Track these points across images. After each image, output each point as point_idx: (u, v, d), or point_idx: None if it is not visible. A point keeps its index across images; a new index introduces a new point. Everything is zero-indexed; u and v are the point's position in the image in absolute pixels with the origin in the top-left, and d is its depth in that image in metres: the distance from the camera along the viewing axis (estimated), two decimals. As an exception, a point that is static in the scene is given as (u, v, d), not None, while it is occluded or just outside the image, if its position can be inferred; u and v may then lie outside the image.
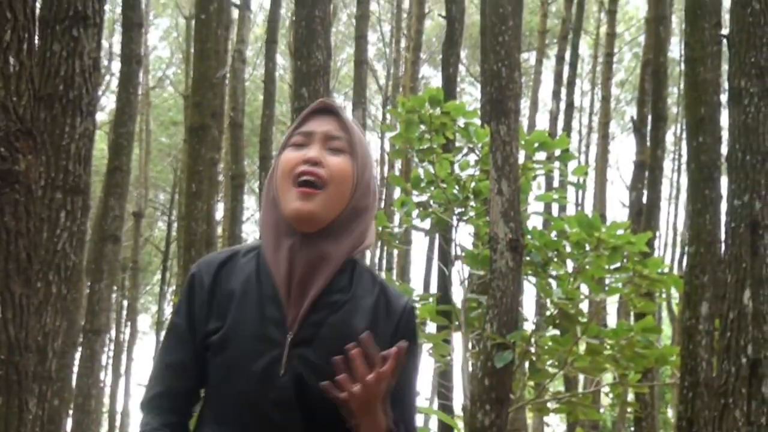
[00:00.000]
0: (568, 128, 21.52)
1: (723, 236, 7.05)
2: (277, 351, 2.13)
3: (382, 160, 28.45)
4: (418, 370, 2.31)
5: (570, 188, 9.86)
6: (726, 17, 9.26)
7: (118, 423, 28.61)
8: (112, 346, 28.84)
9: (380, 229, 8.67)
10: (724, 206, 7.06)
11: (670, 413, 24.09)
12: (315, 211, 2.17)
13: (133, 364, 30.25)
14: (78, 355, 13.03)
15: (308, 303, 2.15)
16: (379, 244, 24.22)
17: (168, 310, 31.33)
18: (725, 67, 8.64)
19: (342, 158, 2.21)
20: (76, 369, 12.93)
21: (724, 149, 8.33)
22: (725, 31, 8.80)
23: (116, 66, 21.57)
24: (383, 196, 26.15)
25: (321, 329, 2.15)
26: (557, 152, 8.59)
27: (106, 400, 26.97)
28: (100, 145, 25.80)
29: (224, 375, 2.16)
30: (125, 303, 30.71)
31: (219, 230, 21.74)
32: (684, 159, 29.65)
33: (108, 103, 28.22)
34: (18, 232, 3.74)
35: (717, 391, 6.60)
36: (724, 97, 8.96)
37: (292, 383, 2.11)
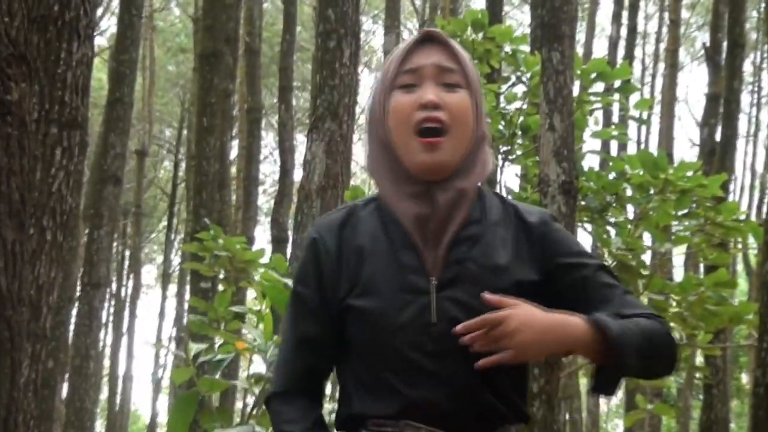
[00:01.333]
0: (630, 56, 21.38)
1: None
2: (424, 298, 2.19)
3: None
4: (599, 263, 2.32)
5: (632, 124, 9.82)
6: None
7: (119, 389, 28.85)
8: (112, 302, 29.00)
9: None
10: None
11: (745, 379, 24.10)
12: (444, 160, 2.23)
13: (136, 322, 30.42)
14: (75, 312, 13.16)
15: (447, 241, 2.22)
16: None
17: (176, 260, 31.57)
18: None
19: (460, 94, 2.27)
20: (72, 327, 13.06)
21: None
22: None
23: (116, -16, 21.52)
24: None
25: (465, 266, 2.21)
26: (617, 83, 8.55)
27: (106, 363, 27.18)
28: (99, 75, 25.83)
29: (370, 337, 2.21)
30: (127, 253, 30.86)
31: (233, 170, 21.84)
32: (765, 92, 29.40)
33: (108, 26, 28.26)
34: (10, 170, 3.74)
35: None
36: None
37: (448, 329, 2.14)
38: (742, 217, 7.85)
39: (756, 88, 28.26)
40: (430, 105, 2.22)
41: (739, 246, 10.62)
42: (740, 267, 24.81)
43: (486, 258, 2.21)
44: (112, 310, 28.98)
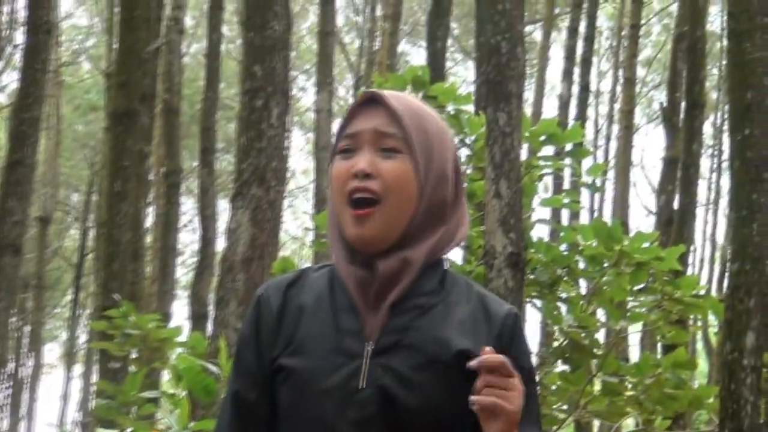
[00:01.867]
0: (582, 117, 21.63)
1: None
2: (356, 362, 2.22)
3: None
4: (536, 389, 2.38)
5: (585, 191, 9.93)
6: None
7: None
8: (10, 383, 28.60)
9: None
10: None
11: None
12: (375, 234, 2.27)
13: (36, 405, 30.07)
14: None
15: (387, 307, 2.25)
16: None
17: (83, 337, 31.27)
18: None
19: (397, 161, 2.30)
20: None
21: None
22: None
23: (20, 36, 21.46)
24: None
25: (407, 334, 2.24)
26: (569, 146, 8.63)
27: (3, 452, 26.82)
28: (-1, 134, 25.70)
29: (296, 399, 2.26)
30: (27, 329, 30.54)
31: (148, 240, 21.71)
32: (725, 155, 29.85)
33: (9, 81, 28.14)
34: None
35: (764, 441, 6.67)
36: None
37: (375, 398, 2.19)
38: (702, 292, 7.93)
39: (716, 152, 28.68)
40: (361, 174, 2.26)
41: (699, 323, 10.73)
42: (700, 346, 25.02)
43: (432, 329, 2.24)
44: (9, 392, 28.55)
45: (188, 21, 25.77)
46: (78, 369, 32.19)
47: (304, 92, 33.78)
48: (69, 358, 32.03)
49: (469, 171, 8.51)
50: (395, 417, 2.17)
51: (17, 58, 24.43)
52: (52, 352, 38.77)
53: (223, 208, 26.20)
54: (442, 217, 2.32)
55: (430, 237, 2.30)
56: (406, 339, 2.22)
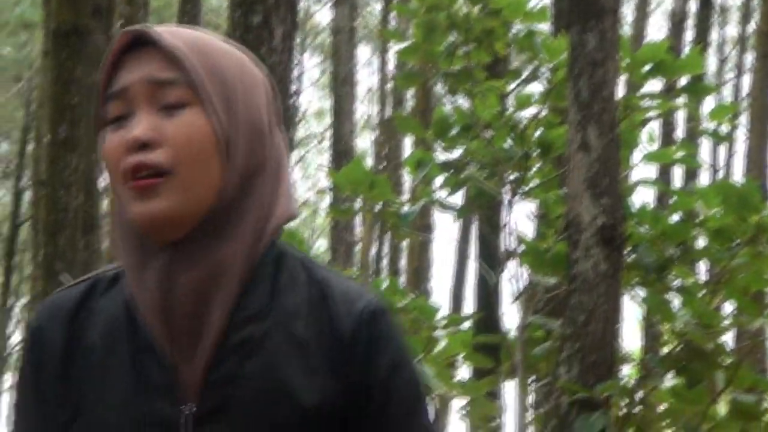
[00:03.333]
0: (702, 41, 21.56)
1: None
2: None
3: (383, 91, 28.49)
4: (419, 418, 2.26)
5: (705, 141, 9.96)
6: None
7: None
8: None
9: (379, 205, 8.72)
10: None
11: None
12: (166, 209, 2.12)
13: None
14: None
15: (204, 351, 2.13)
16: (377, 230, 24.20)
17: (16, 336, 31.48)
18: None
19: (185, 116, 2.15)
20: None
21: None
22: None
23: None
24: (386, 152, 26.21)
25: (236, 389, 2.13)
26: (684, 81, 8.64)
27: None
28: None
29: None
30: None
31: (106, 204, 21.80)
32: None
33: None
34: None
35: None
36: None
37: None
38: None
39: None
40: (135, 145, 2.13)
41: None
42: None
43: (267, 374, 2.13)
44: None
45: None
46: (9, 381, 32.48)
47: (319, 4, 33.77)
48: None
49: (544, 113, 8.53)
50: None
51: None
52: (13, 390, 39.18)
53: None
54: (257, 186, 2.20)
55: (247, 218, 2.18)
56: (238, 395, 2.12)
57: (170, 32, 2.20)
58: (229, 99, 2.18)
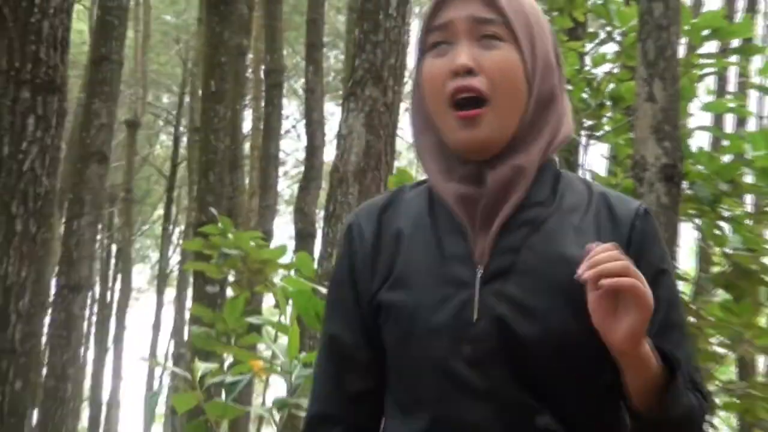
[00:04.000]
0: (752, 9, 21.24)
1: None
2: (466, 292, 2.17)
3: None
4: (676, 293, 2.31)
5: (754, 94, 9.81)
6: None
7: (103, 416, 28.99)
8: (96, 309, 29.10)
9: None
10: None
11: None
12: (485, 137, 2.23)
13: (125, 334, 30.60)
14: (49, 320, 13.21)
15: (498, 224, 2.20)
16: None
17: (175, 258, 31.69)
18: None
19: (502, 50, 2.24)
20: (46, 339, 13.13)
21: None
22: None
23: None
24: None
25: (520, 254, 2.19)
26: (736, 42, 8.52)
27: (87, 384, 27.24)
28: (80, 26, 25.98)
29: (402, 339, 2.23)
30: (114, 248, 31.04)
31: (247, 147, 21.83)
32: None
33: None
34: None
35: None
36: None
37: (491, 330, 2.14)
38: None
39: None
40: (462, 70, 2.21)
41: None
42: None
43: (548, 246, 2.19)
44: (95, 318, 29.02)
45: None
46: (170, 294, 32.63)
47: (426, -21, 33.65)
48: (160, 281, 32.36)
49: (616, 70, 8.46)
50: (516, 350, 2.12)
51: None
52: (141, 274, 39.40)
53: (332, 111, 26.27)
54: (549, 112, 2.29)
55: (541, 137, 2.26)
56: (521, 259, 2.17)
57: None
58: (534, 37, 2.27)
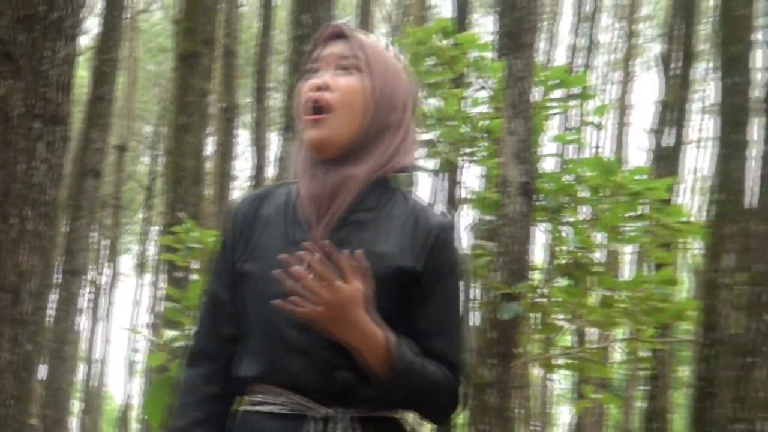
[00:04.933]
0: (587, 65, 21.44)
1: (751, 184, 7.05)
2: None
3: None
4: (457, 297, 2.29)
5: (588, 129, 9.87)
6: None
7: (95, 371, 28.75)
8: (90, 289, 28.84)
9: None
10: (754, 152, 7.05)
11: (685, 372, 24.25)
12: (324, 136, 2.24)
13: (113, 308, 30.33)
14: (54, 298, 13.08)
15: (330, 221, 2.21)
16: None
17: (151, 250, 31.43)
18: (764, 1, 8.60)
19: (352, 77, 2.26)
20: (51, 312, 12.99)
21: (756, 91, 8.31)
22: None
23: (100, -14, 21.36)
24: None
25: (345, 248, 2.16)
26: (575, 90, 8.57)
27: (83, 346, 27.08)
28: (82, 73, 25.68)
29: (251, 300, 2.25)
30: (105, 242, 30.74)
31: (208, 166, 21.66)
32: (712, 101, 29.47)
33: (92, 26, 28.08)
34: (-5, 162, 3.73)
35: (739, 349, 6.66)
36: (760, 35, 8.93)
37: None
38: (688, 219, 7.90)
39: (704, 97, 28.34)
40: (317, 87, 2.24)
41: (684, 246, 10.67)
42: (685, 266, 24.95)
43: (369, 244, 2.19)
44: (90, 296, 28.77)
45: (246, -24, 25.58)
46: (148, 277, 32.35)
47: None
48: (140, 268, 32.15)
49: (488, 110, 8.48)
50: None
51: (99, 6, 24.37)
52: (126, 262, 39.00)
53: (273, 140, 26.15)
54: (384, 138, 2.28)
55: (372, 156, 2.26)
56: (344, 251, 2.15)
57: (358, 31, 2.32)
58: (382, 78, 2.28)
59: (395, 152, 2.29)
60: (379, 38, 2.42)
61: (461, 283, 2.32)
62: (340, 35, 2.32)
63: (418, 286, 2.23)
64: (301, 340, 2.17)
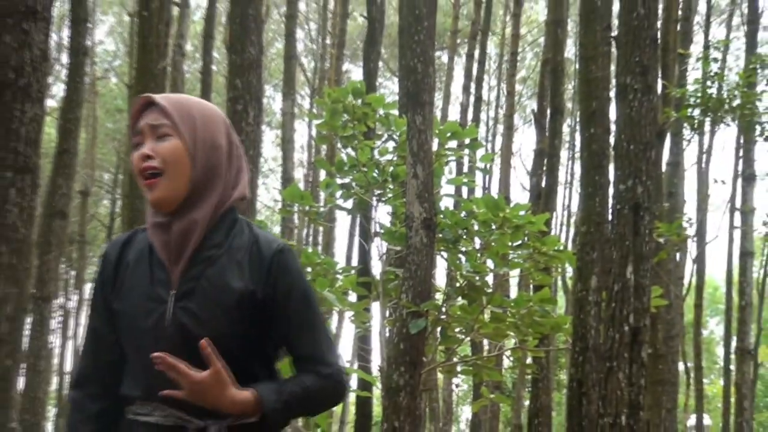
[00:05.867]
0: (476, 119, 21.63)
1: (610, 217, 7.13)
2: (163, 307, 2.18)
3: (309, 145, 28.30)
4: (308, 304, 2.29)
5: (478, 173, 9.92)
6: (615, 21, 9.37)
7: (66, 381, 28.26)
8: (60, 312, 28.38)
9: (307, 208, 8.62)
10: (611, 191, 7.14)
11: (564, 375, 24.46)
12: (161, 196, 2.20)
13: (79, 329, 29.76)
14: (29, 320, 12.81)
15: (184, 261, 2.20)
16: (306, 221, 24.17)
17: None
18: (614, 66, 8.74)
19: (169, 141, 2.22)
20: (27, 332, 12.71)
21: (612, 140, 8.43)
22: (614, 33, 8.89)
23: (65, 57, 21.08)
24: (311, 179, 26.03)
25: (199, 282, 2.19)
26: (467, 141, 8.61)
27: (56, 361, 26.60)
28: (51, 129, 25.26)
29: (126, 334, 2.22)
30: (73, 273, 30.19)
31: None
32: (577, 148, 29.95)
33: (58, 91, 27.64)
34: (-30, 208, 3.67)
35: (603, 355, 6.70)
36: (612, 93, 9.06)
37: (177, 333, 2.16)
38: (561, 247, 7.96)
39: (571, 145, 28.77)
40: (144, 156, 2.21)
41: (559, 270, 10.75)
42: (560, 286, 25.21)
43: (218, 277, 2.20)
44: (59, 319, 28.34)
45: (188, 47, 25.41)
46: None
47: (273, 100, 33.38)
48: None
49: (395, 158, 8.47)
50: (192, 345, 2.12)
51: (63, 73, 24.00)
52: (90, 290, 38.41)
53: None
54: (218, 178, 2.26)
55: (211, 196, 2.24)
56: (199, 286, 2.19)
57: (164, 97, 2.26)
58: (194, 130, 2.23)
59: (230, 186, 2.28)
60: (182, 94, 2.37)
61: (308, 292, 2.30)
62: (151, 104, 2.27)
63: (270, 306, 2.24)
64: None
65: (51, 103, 26.73)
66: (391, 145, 8.61)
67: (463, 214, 7.74)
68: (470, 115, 21.75)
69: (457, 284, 7.73)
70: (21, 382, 12.82)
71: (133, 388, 2.22)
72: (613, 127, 8.62)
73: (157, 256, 2.23)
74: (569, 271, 17.52)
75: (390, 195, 8.48)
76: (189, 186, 2.21)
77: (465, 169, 19.21)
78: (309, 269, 7.96)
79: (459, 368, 8.71)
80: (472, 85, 22.22)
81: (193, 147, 2.22)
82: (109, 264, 2.30)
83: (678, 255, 15.04)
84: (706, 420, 22.67)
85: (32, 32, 5.97)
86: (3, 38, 5.88)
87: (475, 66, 22.35)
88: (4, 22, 5.88)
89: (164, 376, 2.13)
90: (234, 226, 2.28)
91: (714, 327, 43.19)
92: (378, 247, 8.68)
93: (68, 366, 29.07)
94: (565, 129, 25.23)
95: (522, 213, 7.53)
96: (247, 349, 2.22)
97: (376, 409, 16.73)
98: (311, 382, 2.24)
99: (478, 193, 19.62)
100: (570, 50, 25.29)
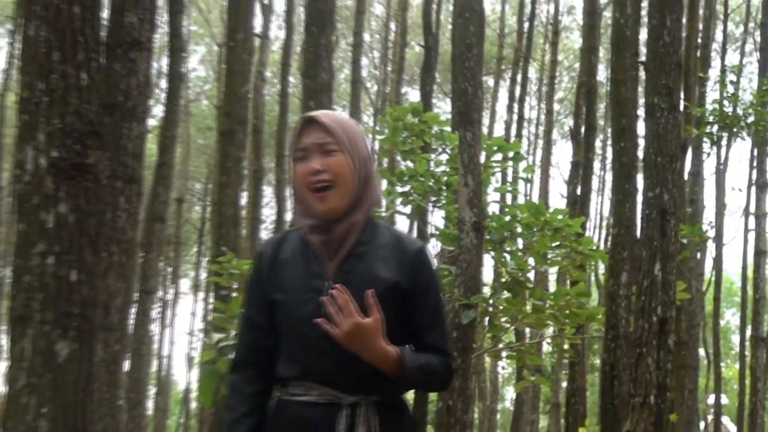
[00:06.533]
0: (519, 135, 21.54)
1: (639, 221, 7.07)
2: (320, 296, 2.17)
3: (372, 158, 28.34)
4: (440, 300, 2.31)
5: (521, 182, 9.87)
6: (643, 49, 9.29)
7: (164, 365, 28.68)
8: (159, 304, 28.77)
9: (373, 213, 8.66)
10: (640, 197, 7.09)
11: (597, 360, 24.17)
12: (334, 206, 2.21)
13: (176, 318, 30.18)
14: (134, 311, 13.03)
15: (340, 257, 2.21)
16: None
17: (203, 275, 31.26)
18: (642, 88, 8.65)
19: (336, 156, 2.22)
20: (132, 321, 12.94)
21: (640, 153, 8.35)
22: (642, 59, 8.80)
23: (164, 83, 21.44)
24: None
25: (351, 275, 2.19)
26: (511, 154, 8.59)
27: (155, 346, 26.97)
28: (152, 145, 25.66)
29: (285, 321, 2.22)
30: (170, 270, 30.60)
31: (243, 213, 21.61)
32: (609, 160, 29.63)
33: (158, 111, 28.08)
34: (88, 212, 3.77)
35: (634, 342, 6.65)
36: (641, 112, 8.98)
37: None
38: (595, 247, 7.91)
39: (603, 158, 28.45)
40: (314, 171, 2.21)
41: (593, 267, 10.65)
42: (593, 282, 24.94)
43: (368, 270, 2.21)
44: (159, 309, 28.75)
45: (268, 73, 25.66)
46: (201, 295, 32.22)
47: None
48: (195, 288, 32.04)
49: (448, 169, 8.48)
50: None
51: (162, 96, 24.39)
52: (185, 284, 38.78)
53: (289, 193, 26.08)
54: (370, 188, 2.27)
55: (365, 202, 2.25)
56: (352, 278, 2.19)
57: (325, 115, 2.27)
58: (353, 146, 2.24)
59: (375, 193, 2.29)
60: (334, 112, 2.40)
61: (440, 288, 2.34)
62: (313, 122, 2.27)
63: (409, 296, 2.24)
64: (327, 346, 2.16)
65: (152, 122, 27.16)
66: (444, 157, 8.62)
67: (507, 218, 7.72)
68: (513, 132, 21.65)
69: (503, 280, 7.71)
70: (126, 365, 13.09)
71: (289, 370, 2.21)
72: (640, 142, 8.54)
73: (312, 253, 2.24)
74: (602, 268, 17.32)
75: (444, 201, 8.48)
76: (353, 196, 2.23)
77: (509, 178, 19.11)
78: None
79: (504, 353, 8.68)
80: (515, 105, 22.12)
81: (354, 162, 2.24)
82: (266, 261, 2.29)
83: (699, 254, 14.82)
84: (724, 400, 22.30)
85: (137, 61, 6.10)
86: (113, 66, 6.01)
87: (518, 88, 22.26)
88: (114, 53, 6.02)
89: (320, 358, 2.17)
90: (376, 226, 2.30)
91: (730, 317, 42.34)
92: (433, 247, 8.69)
93: (165, 351, 29.45)
94: (598, 143, 24.94)
95: (560, 217, 7.50)
96: (390, 333, 2.19)
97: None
98: (436, 363, 2.25)
99: (521, 200, 19.50)
100: (602, 74, 24.99)
